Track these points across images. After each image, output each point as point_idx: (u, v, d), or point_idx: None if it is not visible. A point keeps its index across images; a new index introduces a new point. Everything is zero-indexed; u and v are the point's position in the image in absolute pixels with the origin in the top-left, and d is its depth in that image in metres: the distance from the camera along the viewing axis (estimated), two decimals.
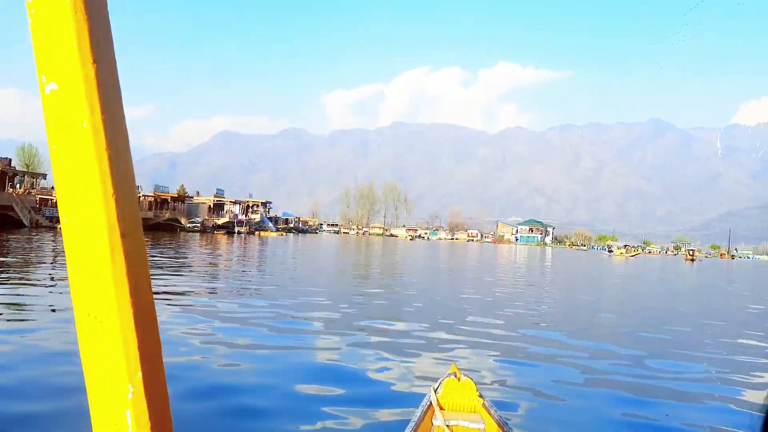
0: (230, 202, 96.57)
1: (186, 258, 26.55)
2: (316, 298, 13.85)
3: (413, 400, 5.14)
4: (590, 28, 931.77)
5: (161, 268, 19.63)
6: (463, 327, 10.87)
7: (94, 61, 0.69)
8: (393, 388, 6.47)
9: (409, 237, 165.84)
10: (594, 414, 6.02)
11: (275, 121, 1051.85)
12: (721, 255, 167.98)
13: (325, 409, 5.53)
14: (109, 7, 0.65)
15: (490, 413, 3.74)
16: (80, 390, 0.72)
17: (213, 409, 5.40)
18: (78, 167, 0.70)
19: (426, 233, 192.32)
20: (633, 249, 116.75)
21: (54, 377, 6.03)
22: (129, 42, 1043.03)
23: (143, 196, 79.16)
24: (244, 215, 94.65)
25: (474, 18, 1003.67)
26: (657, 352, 9.46)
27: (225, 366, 7.02)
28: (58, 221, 45.97)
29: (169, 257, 25.64)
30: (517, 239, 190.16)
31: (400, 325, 10.66)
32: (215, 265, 24.56)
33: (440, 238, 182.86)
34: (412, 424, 3.57)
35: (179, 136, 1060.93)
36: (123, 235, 0.71)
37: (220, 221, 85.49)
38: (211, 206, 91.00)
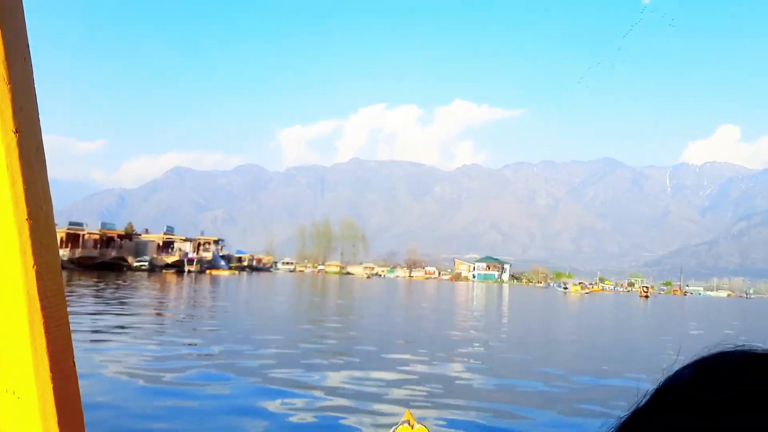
0: (180, 239, 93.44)
1: (126, 298, 24.50)
2: (260, 338, 12.37)
3: None
4: (543, 68, 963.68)
5: (105, 304, 17.74)
6: (418, 370, 9.76)
7: (16, 131, 0.70)
8: None
9: (366, 275, 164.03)
10: None
11: (230, 157, 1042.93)
12: (673, 291, 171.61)
13: None
14: (35, 77, 0.70)
15: None
16: None
17: None
18: None
19: (383, 271, 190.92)
20: (588, 286, 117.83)
21: None
22: (80, 75, 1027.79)
23: (88, 233, 75.77)
24: (194, 253, 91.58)
25: (430, 56, 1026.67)
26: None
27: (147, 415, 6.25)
28: None
29: (104, 300, 23.58)
30: (474, 276, 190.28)
31: (351, 370, 9.49)
32: (154, 305, 22.62)
33: (397, 276, 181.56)
34: None
35: (130, 171, 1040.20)
36: (44, 308, 0.72)
37: (170, 260, 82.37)
38: (161, 244, 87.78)
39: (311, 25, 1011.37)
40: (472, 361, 12.88)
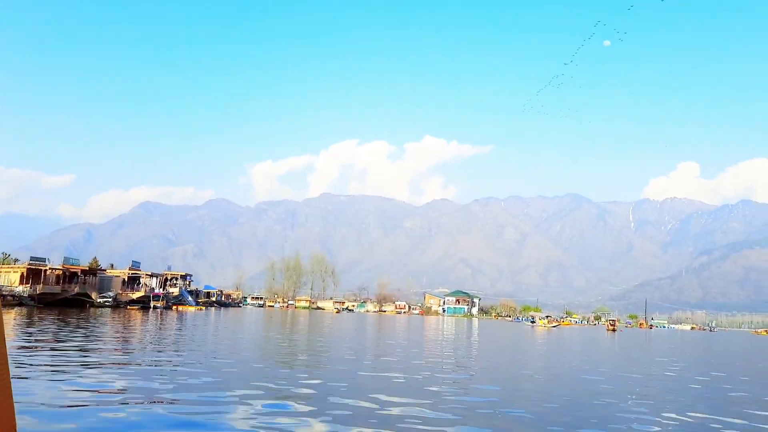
0: (146, 275, 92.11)
1: (83, 336, 24.27)
2: (218, 378, 12.53)
3: None
4: (511, 106, 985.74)
5: (60, 342, 17.64)
6: (389, 414, 9.98)
7: None
8: None
9: (336, 310, 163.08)
10: None
11: (201, 192, 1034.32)
12: (640, 325, 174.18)
13: None
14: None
15: None
16: None
17: None
18: None
19: (354, 306, 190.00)
20: (554, 320, 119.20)
21: None
22: (48, 109, 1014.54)
23: (50, 269, 74.31)
24: (161, 289, 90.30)
25: (401, 94, 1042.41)
26: None
27: None
28: None
29: (57, 339, 23.35)
30: (444, 310, 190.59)
31: (316, 415, 9.60)
32: (111, 341, 22.47)
33: (368, 311, 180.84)
34: None
35: (97, 206, 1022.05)
36: None
37: (135, 295, 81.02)
38: (126, 279, 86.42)
39: (283, 61, 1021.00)
40: (446, 403, 13.17)
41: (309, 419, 9.48)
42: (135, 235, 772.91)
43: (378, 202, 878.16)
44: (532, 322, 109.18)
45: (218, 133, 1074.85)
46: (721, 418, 11.48)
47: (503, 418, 10.58)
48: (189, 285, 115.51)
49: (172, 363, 16.86)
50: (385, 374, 16.59)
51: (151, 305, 78.38)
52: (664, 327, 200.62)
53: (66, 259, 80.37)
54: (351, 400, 11.40)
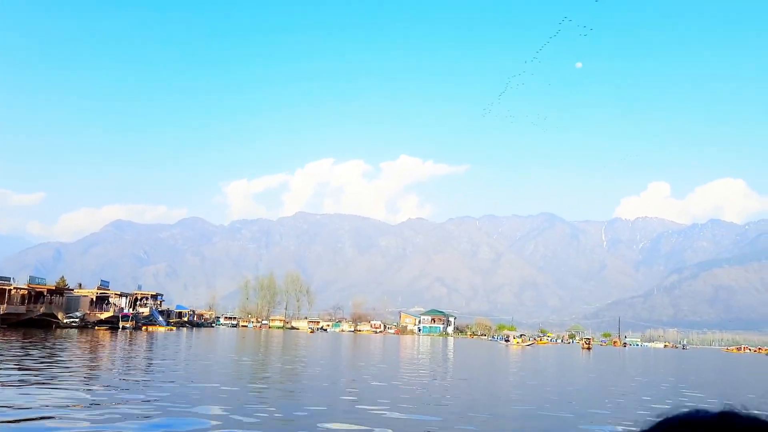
0: (115, 294, 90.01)
1: (30, 357, 23.31)
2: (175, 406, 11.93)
3: None
4: (484, 127, 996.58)
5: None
6: None
7: None
8: None
9: (310, 329, 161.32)
10: None
11: (174, 211, 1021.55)
12: (614, 343, 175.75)
13: None
14: None
15: None
16: None
17: None
18: None
19: (328, 325, 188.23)
20: (529, 339, 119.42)
21: None
22: (18, 126, 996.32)
23: (15, 288, 72.11)
24: (131, 309, 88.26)
25: (377, 113, 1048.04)
26: None
27: None
28: None
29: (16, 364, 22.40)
30: (420, 330, 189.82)
31: None
32: (53, 364, 21.58)
33: (343, 330, 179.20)
34: None
35: (68, 225, 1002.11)
36: None
37: (103, 316, 79.00)
38: (94, 299, 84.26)
39: (258, 80, 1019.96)
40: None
41: None
42: (106, 254, 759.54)
43: (353, 221, 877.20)
44: (506, 341, 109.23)
45: (192, 151, 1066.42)
46: None
47: None
48: (160, 305, 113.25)
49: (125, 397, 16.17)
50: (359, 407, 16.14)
51: (120, 326, 76.49)
52: (638, 345, 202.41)
53: (32, 278, 78.05)
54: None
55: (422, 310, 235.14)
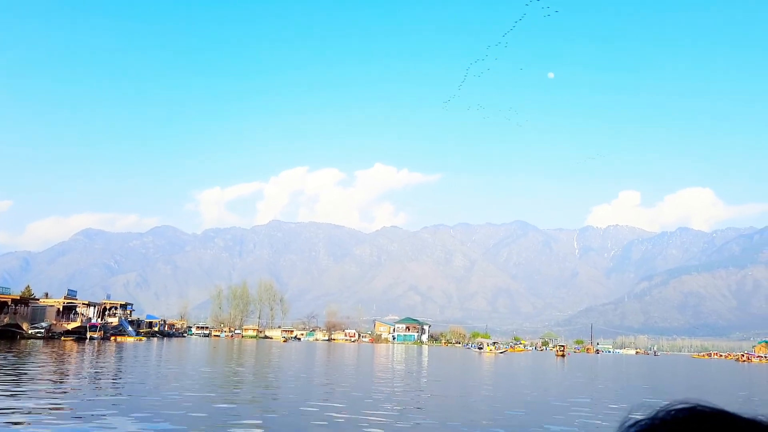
0: (83, 304, 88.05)
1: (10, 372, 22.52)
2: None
3: None
4: (460, 135, 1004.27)
5: None
6: None
7: None
8: None
9: (283, 339, 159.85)
10: None
11: (145, 219, 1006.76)
12: (587, 350, 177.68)
13: None
14: None
15: None
16: None
17: None
18: None
19: (302, 334, 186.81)
20: (502, 346, 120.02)
21: None
22: None
23: None
24: (99, 319, 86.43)
25: (352, 122, 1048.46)
26: None
27: None
28: None
29: None
30: (394, 338, 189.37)
31: None
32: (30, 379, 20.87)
33: (317, 339, 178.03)
34: None
35: (36, 233, 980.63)
36: None
37: (70, 326, 77.17)
38: (60, 309, 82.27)
39: (233, 87, 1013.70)
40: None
41: None
42: (75, 263, 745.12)
43: (328, 230, 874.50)
44: (480, 348, 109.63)
45: (165, 159, 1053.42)
46: None
47: None
48: (130, 315, 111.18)
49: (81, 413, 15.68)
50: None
51: (88, 336, 74.77)
52: (610, 351, 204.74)
53: None
54: None
55: (397, 318, 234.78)
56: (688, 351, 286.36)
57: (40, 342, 61.41)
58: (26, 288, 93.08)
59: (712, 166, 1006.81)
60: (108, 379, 22.80)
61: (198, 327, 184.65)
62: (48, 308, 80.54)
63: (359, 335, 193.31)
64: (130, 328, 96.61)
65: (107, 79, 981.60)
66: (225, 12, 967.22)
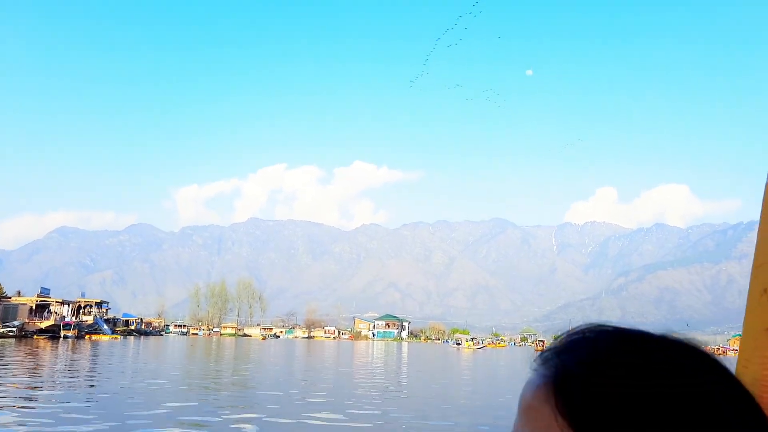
0: (57, 302, 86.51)
1: None
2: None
3: None
4: (438, 133, 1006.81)
5: None
6: None
7: None
8: None
9: (262, 336, 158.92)
10: None
11: (122, 217, 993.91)
12: None
13: None
14: None
15: None
16: None
17: None
18: None
19: (281, 332, 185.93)
20: (480, 342, 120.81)
21: None
22: None
23: None
24: (74, 317, 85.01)
25: (330, 118, 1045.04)
26: None
27: None
28: None
29: None
30: (374, 335, 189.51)
31: None
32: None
33: (296, 337, 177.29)
34: None
35: (9, 231, 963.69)
36: None
37: (43, 324, 75.77)
38: (33, 308, 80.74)
39: (210, 83, 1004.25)
40: None
41: None
42: (50, 261, 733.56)
43: (307, 227, 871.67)
44: (458, 344, 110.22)
45: (142, 156, 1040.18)
46: None
47: None
48: (106, 313, 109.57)
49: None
50: None
51: (62, 335, 73.51)
52: None
53: None
54: None
55: (376, 315, 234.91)
56: None
57: (12, 341, 60.22)
58: None
59: (688, 164, 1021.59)
60: (82, 377, 22.32)
61: (176, 325, 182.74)
62: (20, 306, 79.01)
63: (339, 332, 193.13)
64: (105, 327, 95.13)
65: (83, 74, 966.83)
66: (201, 10, 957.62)
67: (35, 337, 70.70)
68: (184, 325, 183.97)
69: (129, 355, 41.93)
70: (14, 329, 69.96)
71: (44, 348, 48.15)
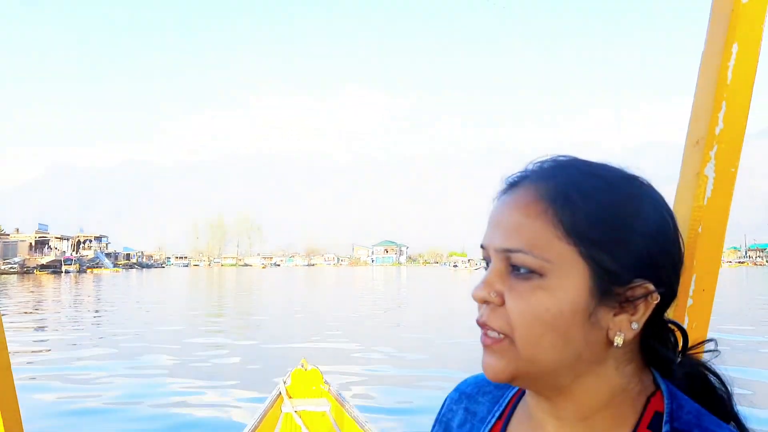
0: (56, 238, 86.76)
1: None
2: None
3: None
4: (432, 59, 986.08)
5: None
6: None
7: None
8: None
9: (262, 265, 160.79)
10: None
11: (117, 152, 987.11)
12: None
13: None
14: None
15: (334, 397, 4.07)
16: None
17: None
18: None
19: (282, 260, 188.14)
20: (476, 264, 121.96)
21: None
22: None
23: None
24: (74, 252, 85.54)
25: (327, 44, 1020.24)
26: None
27: None
28: None
29: None
30: (373, 261, 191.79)
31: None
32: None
33: (296, 265, 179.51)
34: (261, 413, 3.80)
35: (2, 169, 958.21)
36: None
37: (44, 260, 76.25)
38: (33, 244, 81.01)
39: (205, 15, 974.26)
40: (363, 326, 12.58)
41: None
42: (46, 198, 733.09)
43: (304, 158, 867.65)
44: (455, 266, 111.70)
45: (138, 88, 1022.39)
46: None
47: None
48: (106, 248, 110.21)
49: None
50: None
51: (63, 270, 74.13)
52: None
53: None
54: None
55: (375, 241, 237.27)
56: None
57: (14, 277, 60.77)
58: None
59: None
60: (89, 310, 22.48)
61: (177, 257, 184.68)
62: (19, 243, 79.24)
63: (338, 259, 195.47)
64: (106, 260, 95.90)
65: (78, 14, 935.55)
66: None
67: (36, 272, 71.29)
68: (186, 257, 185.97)
69: (133, 286, 42.40)
70: (15, 266, 70.49)
71: (47, 283, 48.57)
